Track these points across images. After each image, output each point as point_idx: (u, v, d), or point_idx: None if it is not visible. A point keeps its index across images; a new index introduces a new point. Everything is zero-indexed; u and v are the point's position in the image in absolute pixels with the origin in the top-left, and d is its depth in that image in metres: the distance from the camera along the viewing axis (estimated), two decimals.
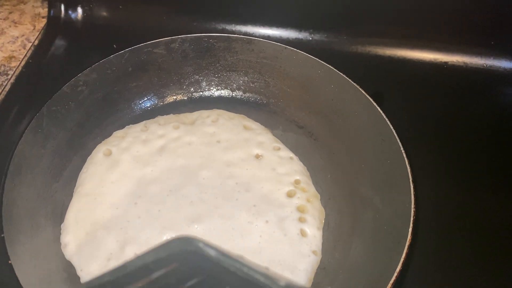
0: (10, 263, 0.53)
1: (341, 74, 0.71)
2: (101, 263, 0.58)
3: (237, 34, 0.78)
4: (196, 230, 0.61)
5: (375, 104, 0.67)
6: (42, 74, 0.87)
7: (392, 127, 0.64)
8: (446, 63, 0.94)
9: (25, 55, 0.89)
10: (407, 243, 0.53)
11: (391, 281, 0.50)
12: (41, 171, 0.65)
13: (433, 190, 0.72)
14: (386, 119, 0.65)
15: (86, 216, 0.62)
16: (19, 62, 0.87)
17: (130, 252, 0.59)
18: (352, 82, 0.70)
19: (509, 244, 0.68)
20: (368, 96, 0.68)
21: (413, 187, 0.59)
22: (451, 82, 0.92)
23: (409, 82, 0.92)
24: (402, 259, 0.52)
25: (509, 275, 0.65)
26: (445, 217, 0.70)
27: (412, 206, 0.56)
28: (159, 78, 0.78)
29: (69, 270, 0.59)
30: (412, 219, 0.55)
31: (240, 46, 0.77)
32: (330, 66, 0.72)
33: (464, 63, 0.94)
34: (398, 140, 0.63)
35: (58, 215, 0.64)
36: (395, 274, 0.51)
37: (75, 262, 0.59)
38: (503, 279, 0.65)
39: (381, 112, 0.66)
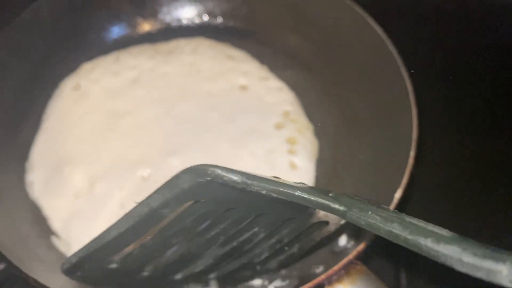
0: None
1: None
2: (68, 201, 0.53)
3: None
4: (173, 164, 0.55)
5: (376, 27, 0.59)
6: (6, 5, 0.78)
7: (395, 51, 0.57)
8: None
9: None
10: (409, 168, 0.47)
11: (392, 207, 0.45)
12: (1, 107, 0.58)
13: (437, 121, 0.65)
14: (389, 43, 0.57)
15: (52, 152, 0.56)
16: None
17: (100, 189, 0.53)
18: (348, 1, 0.61)
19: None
20: (368, 17, 0.60)
21: (417, 112, 0.52)
22: (462, 7, 0.83)
23: (413, 4, 0.82)
24: (403, 185, 0.46)
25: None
26: (449, 150, 0.64)
27: (415, 129, 0.50)
28: (133, 5, 0.70)
29: (35, 210, 0.54)
30: (414, 142, 0.49)
31: None
32: None
33: None
34: (402, 66, 0.55)
35: (23, 153, 0.58)
36: (395, 201, 0.45)
37: (41, 201, 0.54)
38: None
39: (384, 36, 0.58)
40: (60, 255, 0.51)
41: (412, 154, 0.48)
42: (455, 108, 0.69)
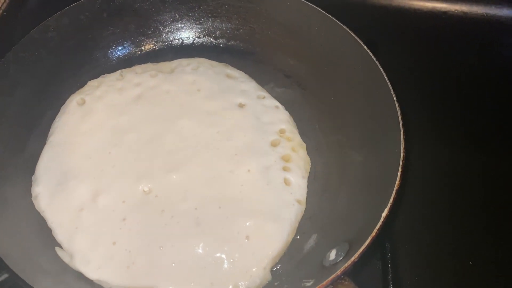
0: None
1: (332, 18, 0.66)
2: (73, 214, 0.55)
3: None
4: (174, 179, 0.57)
5: (369, 51, 0.62)
6: (17, 25, 0.81)
7: (385, 76, 0.60)
8: (445, 12, 0.89)
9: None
10: (395, 188, 0.50)
11: (377, 227, 0.47)
12: (9, 120, 0.61)
13: (424, 142, 0.69)
14: (380, 67, 0.60)
15: (58, 166, 0.59)
16: None
17: (103, 203, 0.55)
18: (344, 27, 0.64)
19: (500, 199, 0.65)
20: (361, 42, 0.63)
21: (403, 134, 0.55)
22: (450, 33, 0.87)
23: (405, 32, 0.86)
24: (389, 204, 0.49)
25: (499, 228, 0.62)
26: (435, 170, 0.67)
27: (402, 150, 0.53)
28: (137, 25, 0.73)
29: (40, 222, 0.56)
30: (401, 163, 0.52)
31: None
32: (320, 9, 0.67)
33: (463, 12, 0.88)
34: (391, 89, 0.58)
35: (30, 166, 0.61)
36: (382, 219, 0.48)
37: (46, 213, 0.56)
38: (494, 231, 0.63)
39: (375, 60, 0.61)
40: (64, 266, 0.53)
41: (399, 175, 0.51)
42: (441, 127, 0.73)
